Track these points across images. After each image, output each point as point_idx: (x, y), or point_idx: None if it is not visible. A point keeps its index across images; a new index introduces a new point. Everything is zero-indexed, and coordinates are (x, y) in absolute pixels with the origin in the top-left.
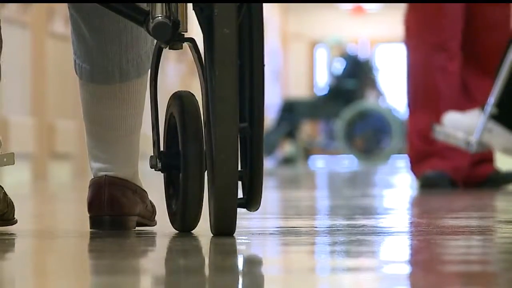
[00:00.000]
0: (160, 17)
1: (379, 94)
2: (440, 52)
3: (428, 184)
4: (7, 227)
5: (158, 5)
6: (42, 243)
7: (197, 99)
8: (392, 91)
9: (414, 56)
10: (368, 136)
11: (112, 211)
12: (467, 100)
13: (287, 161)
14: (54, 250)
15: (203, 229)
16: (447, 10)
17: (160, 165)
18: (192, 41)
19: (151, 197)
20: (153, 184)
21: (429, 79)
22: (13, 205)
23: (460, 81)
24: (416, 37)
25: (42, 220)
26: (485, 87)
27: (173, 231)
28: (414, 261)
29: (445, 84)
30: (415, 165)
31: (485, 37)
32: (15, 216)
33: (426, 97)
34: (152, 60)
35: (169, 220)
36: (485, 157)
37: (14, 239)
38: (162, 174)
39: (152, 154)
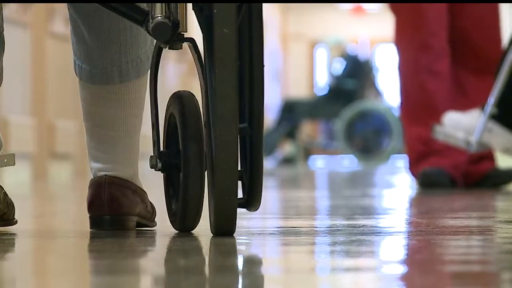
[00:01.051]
0: (159, 17)
1: (378, 93)
2: (424, 52)
3: (427, 181)
4: (7, 227)
5: (158, 5)
6: (42, 243)
7: (197, 99)
8: (392, 90)
9: (401, 59)
10: (368, 136)
11: (112, 211)
12: (463, 98)
13: (287, 161)
14: (54, 250)
15: (203, 229)
16: (427, 8)
17: (160, 165)
18: (192, 41)
19: (151, 197)
20: (153, 184)
21: (418, 81)
22: (13, 205)
23: (451, 81)
24: (401, 39)
25: (42, 220)
26: (479, 85)
27: (173, 231)
28: (414, 261)
29: (434, 85)
30: (414, 166)
31: (474, 34)
32: (15, 217)
33: (419, 100)
34: (152, 60)
35: (169, 220)
36: (485, 154)
37: (14, 239)
38: (162, 174)
39: (152, 154)
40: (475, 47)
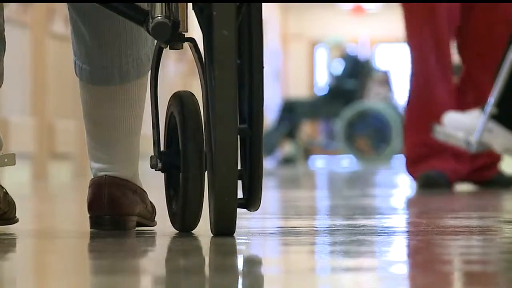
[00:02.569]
0: (159, 17)
1: (389, 91)
2: (434, 50)
3: (428, 183)
4: (8, 226)
5: (158, 5)
6: (42, 243)
7: (197, 99)
8: (394, 90)
9: (412, 57)
10: (368, 136)
11: (112, 211)
12: (477, 99)
13: (287, 161)
14: (54, 250)
15: (203, 229)
16: (439, 9)
17: (160, 165)
18: (192, 41)
19: (151, 197)
20: (153, 184)
21: (426, 80)
22: (14, 204)
23: (466, 83)
24: (412, 38)
25: (42, 220)
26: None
27: (173, 231)
28: (414, 261)
29: (442, 86)
30: (413, 166)
31: (487, 35)
32: (16, 215)
33: (425, 100)
34: (152, 60)
35: (169, 220)
36: (491, 161)
37: (14, 239)
38: (162, 174)
39: (152, 154)
40: (488, 47)
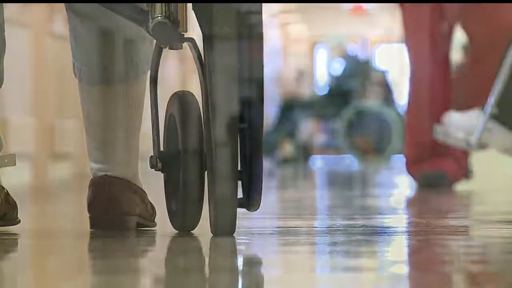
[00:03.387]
0: (159, 17)
1: (389, 91)
2: (433, 51)
3: (428, 183)
4: (8, 227)
5: (158, 5)
6: (42, 243)
7: (197, 99)
8: (393, 90)
9: (411, 58)
10: (369, 136)
11: (112, 211)
12: (476, 99)
13: (287, 161)
14: (54, 250)
15: (203, 229)
16: (435, 9)
17: (160, 165)
18: (191, 41)
19: (151, 197)
20: (153, 184)
21: (425, 77)
22: (16, 205)
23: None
24: (410, 38)
25: (42, 220)
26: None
27: (173, 231)
28: (414, 261)
29: (443, 86)
30: (413, 166)
31: (485, 37)
32: (18, 216)
33: (424, 99)
34: (152, 60)
35: (169, 220)
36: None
37: (14, 239)
38: (162, 174)
39: (152, 154)
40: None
